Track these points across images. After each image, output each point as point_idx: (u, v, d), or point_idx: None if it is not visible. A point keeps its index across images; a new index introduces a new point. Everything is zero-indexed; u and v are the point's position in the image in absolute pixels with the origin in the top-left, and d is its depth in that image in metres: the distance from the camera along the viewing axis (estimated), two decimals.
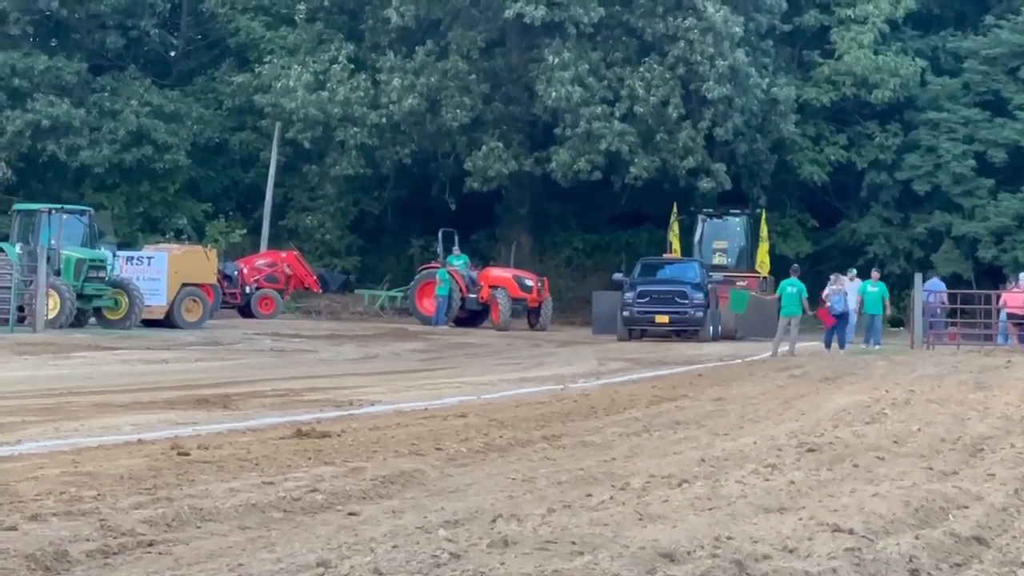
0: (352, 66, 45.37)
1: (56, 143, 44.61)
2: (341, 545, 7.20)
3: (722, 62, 42.04)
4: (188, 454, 10.62)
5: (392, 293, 45.17)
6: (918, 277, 33.43)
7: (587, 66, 42.82)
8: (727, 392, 18.36)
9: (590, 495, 8.95)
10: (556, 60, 42.54)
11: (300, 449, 11.20)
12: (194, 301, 34.64)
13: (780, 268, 38.81)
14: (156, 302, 33.64)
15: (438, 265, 40.61)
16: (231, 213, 48.00)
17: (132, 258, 34.91)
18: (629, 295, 35.33)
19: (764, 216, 43.31)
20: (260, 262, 42.43)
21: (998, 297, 34.20)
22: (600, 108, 42.73)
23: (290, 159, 47.79)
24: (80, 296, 31.46)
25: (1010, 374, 22.09)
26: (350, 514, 8.32)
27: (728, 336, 36.65)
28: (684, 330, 35.60)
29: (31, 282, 29.97)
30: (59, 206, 33.81)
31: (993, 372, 22.56)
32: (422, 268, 42.14)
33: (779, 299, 30.44)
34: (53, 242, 31.68)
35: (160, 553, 7.09)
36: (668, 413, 15.28)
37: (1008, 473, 10.25)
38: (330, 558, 6.74)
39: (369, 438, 12.12)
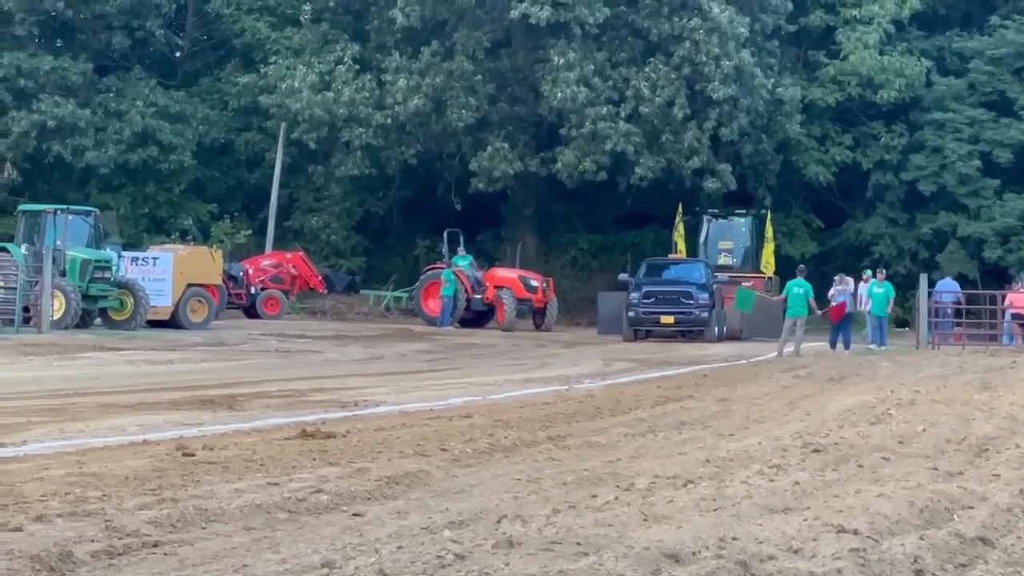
0: (357, 67, 45.38)
1: (61, 144, 44.65)
2: (346, 546, 7.20)
3: (727, 62, 42.03)
4: (193, 455, 10.63)
5: (397, 294, 45.19)
6: (923, 278, 33.37)
7: (592, 66, 42.82)
8: (732, 393, 18.32)
9: (595, 496, 8.95)
10: (561, 60, 42.53)
11: (305, 450, 11.20)
12: (199, 302, 34.67)
13: (785, 269, 38.78)
14: (161, 303, 33.68)
15: (443, 266, 40.58)
16: (236, 214, 47.98)
17: (137, 259, 34.91)
18: (634, 295, 35.33)
19: (769, 216, 43.31)
20: (265, 263, 42.46)
21: (1003, 297, 34.17)
22: (605, 108, 42.73)
23: (295, 160, 47.78)
24: (85, 297, 31.49)
25: (1015, 374, 22.01)
26: (355, 515, 8.32)
27: (733, 337, 36.65)
28: (689, 331, 35.58)
29: (36, 283, 29.96)
30: (64, 207, 33.82)
31: (998, 372, 22.48)
32: (427, 269, 42.14)
33: (785, 300, 30.49)
34: (58, 243, 31.67)
35: (165, 554, 7.09)
36: (673, 414, 15.26)
37: (1013, 473, 10.23)
38: (335, 559, 6.73)
39: (374, 439, 12.11)
